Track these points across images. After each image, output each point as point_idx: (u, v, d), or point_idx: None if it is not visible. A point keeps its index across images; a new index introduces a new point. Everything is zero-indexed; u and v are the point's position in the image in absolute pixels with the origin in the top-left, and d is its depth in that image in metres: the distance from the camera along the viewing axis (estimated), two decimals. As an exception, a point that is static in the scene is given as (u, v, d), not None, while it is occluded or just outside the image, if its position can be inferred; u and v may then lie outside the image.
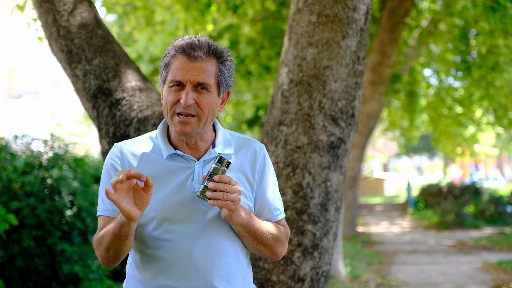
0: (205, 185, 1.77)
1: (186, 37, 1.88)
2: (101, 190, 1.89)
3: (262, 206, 1.95)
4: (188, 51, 1.83)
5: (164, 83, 1.88)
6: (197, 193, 1.78)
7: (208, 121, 1.86)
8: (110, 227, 1.79)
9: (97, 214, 1.89)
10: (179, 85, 1.83)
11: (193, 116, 1.82)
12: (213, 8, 8.39)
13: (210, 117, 1.86)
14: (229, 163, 1.79)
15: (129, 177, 1.68)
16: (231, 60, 1.90)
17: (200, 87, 1.83)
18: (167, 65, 1.87)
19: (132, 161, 1.88)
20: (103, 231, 1.82)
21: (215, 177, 1.76)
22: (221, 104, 1.92)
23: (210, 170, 1.77)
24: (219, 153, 1.81)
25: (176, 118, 1.83)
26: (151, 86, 3.34)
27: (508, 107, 13.66)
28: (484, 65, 10.86)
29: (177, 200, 1.84)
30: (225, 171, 1.79)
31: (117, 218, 1.76)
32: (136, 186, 1.72)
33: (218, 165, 1.78)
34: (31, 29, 7.26)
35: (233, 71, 1.91)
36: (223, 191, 1.75)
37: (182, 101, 1.81)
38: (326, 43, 3.14)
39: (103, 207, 1.88)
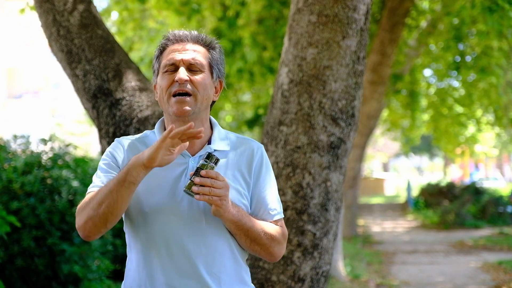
0: (191, 180, 1.77)
1: (176, 30, 1.95)
2: (97, 172, 1.90)
3: (258, 205, 1.93)
4: (178, 38, 1.91)
5: (157, 76, 1.92)
6: (184, 188, 1.78)
7: (204, 101, 1.89)
8: (111, 180, 1.79)
9: (88, 191, 1.86)
10: (173, 70, 1.87)
11: (189, 95, 1.85)
12: (205, 12, 8.43)
13: (206, 97, 1.89)
14: (218, 160, 1.79)
15: (174, 136, 1.74)
16: (220, 48, 1.96)
17: (193, 67, 1.87)
18: (158, 57, 1.93)
19: (130, 155, 1.89)
20: (96, 191, 1.81)
21: (202, 172, 1.76)
22: (215, 93, 1.95)
23: (198, 166, 1.78)
24: (208, 151, 1.82)
25: (173, 99, 1.86)
26: (151, 86, 3.34)
27: (501, 107, 13.71)
28: (475, 66, 10.86)
29: (171, 196, 1.85)
30: (213, 167, 1.78)
31: (127, 164, 1.78)
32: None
33: (206, 161, 1.78)
34: (24, 14, 7.19)
35: (223, 59, 1.96)
36: (210, 186, 1.75)
37: (176, 78, 1.84)
38: (326, 43, 3.14)
39: (97, 185, 1.86)
